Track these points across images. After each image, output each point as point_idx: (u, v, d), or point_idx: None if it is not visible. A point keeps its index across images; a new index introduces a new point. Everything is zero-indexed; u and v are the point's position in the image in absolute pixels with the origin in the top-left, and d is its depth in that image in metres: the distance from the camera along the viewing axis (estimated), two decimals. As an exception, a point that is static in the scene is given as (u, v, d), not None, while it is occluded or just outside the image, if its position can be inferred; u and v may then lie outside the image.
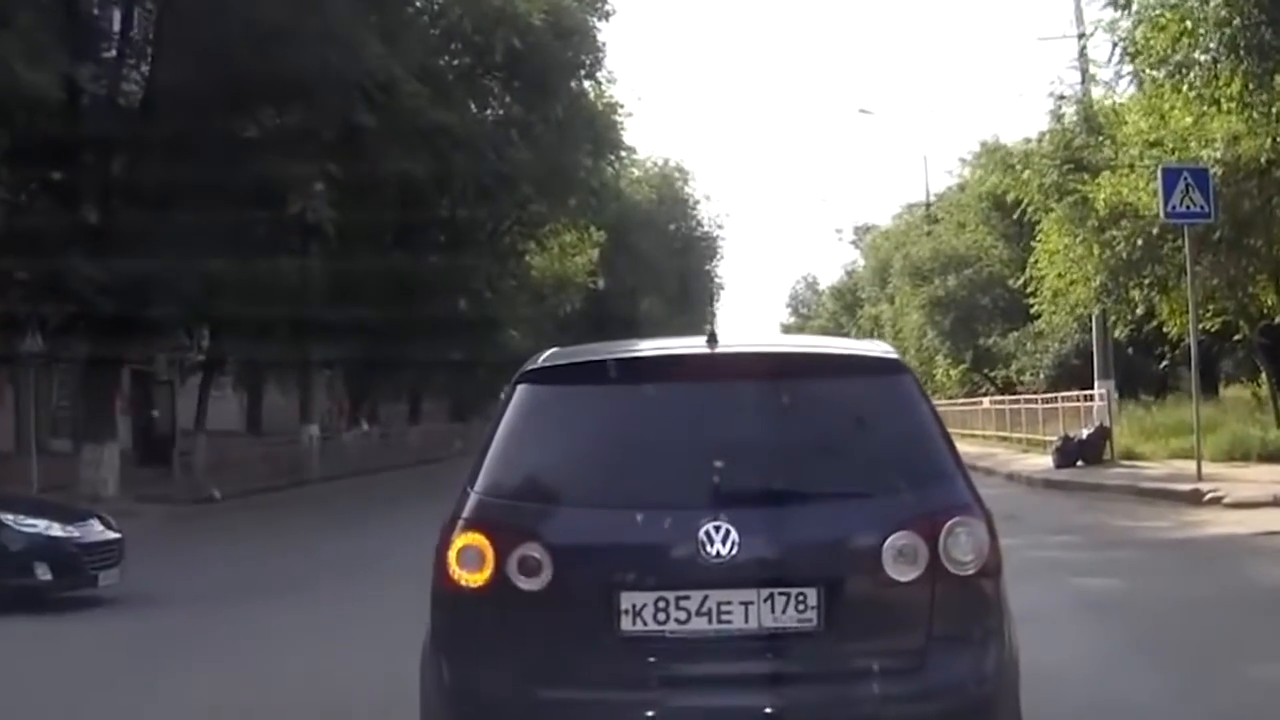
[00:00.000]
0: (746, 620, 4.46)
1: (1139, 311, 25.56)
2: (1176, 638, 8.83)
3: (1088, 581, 11.73)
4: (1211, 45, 18.04)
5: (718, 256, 74.57)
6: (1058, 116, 27.21)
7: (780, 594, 4.46)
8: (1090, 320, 28.49)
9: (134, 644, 10.14)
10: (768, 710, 4.42)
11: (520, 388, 4.92)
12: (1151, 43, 18.68)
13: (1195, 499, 17.69)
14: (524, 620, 4.54)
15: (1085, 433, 25.45)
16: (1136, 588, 11.18)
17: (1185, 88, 19.07)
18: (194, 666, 8.95)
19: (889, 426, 4.79)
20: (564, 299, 46.71)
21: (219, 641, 10.01)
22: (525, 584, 4.52)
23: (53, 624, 10.85)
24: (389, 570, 11.96)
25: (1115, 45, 20.22)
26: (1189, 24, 17.94)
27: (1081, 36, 27.10)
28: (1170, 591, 10.77)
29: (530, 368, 5.02)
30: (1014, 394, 39.88)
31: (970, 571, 4.56)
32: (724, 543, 4.44)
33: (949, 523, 4.55)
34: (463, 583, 4.59)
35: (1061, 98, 27.22)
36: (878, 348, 5.57)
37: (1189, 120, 20.86)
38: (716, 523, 4.45)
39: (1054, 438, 26.76)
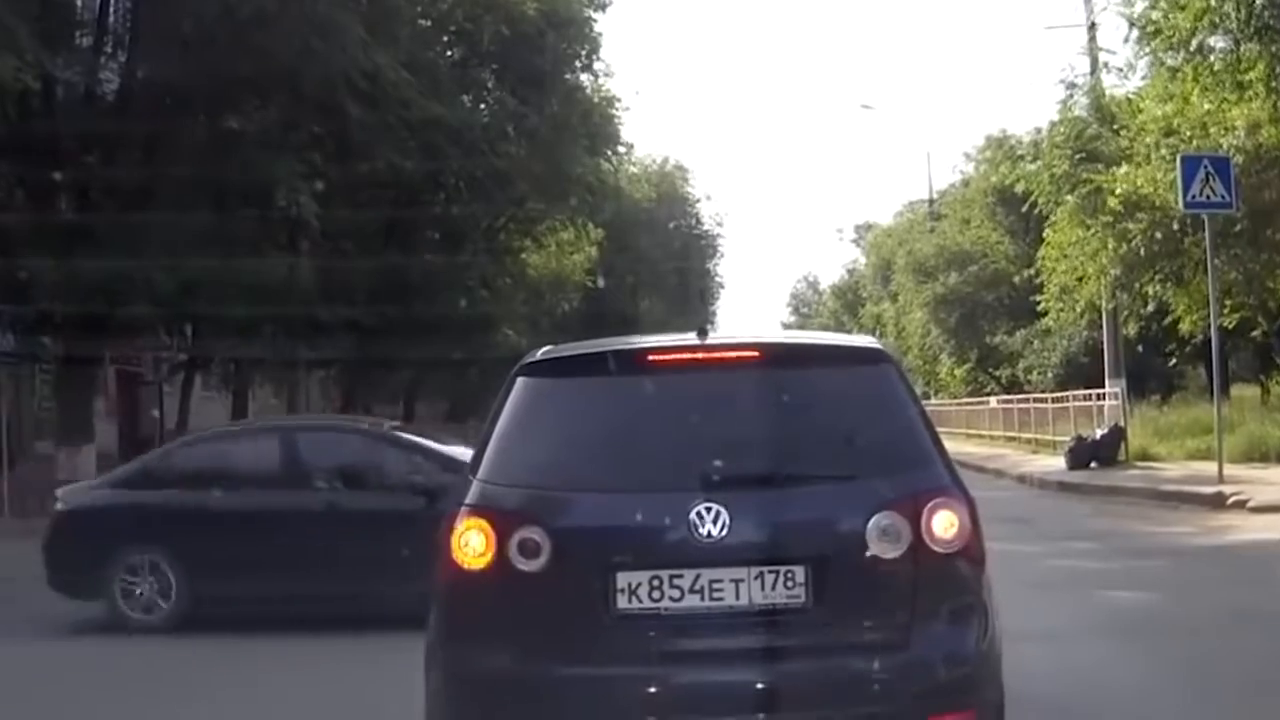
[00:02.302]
0: (738, 597, 4.66)
1: (1150, 308, 24.80)
2: (1221, 659, 8.10)
3: (1116, 595, 11.00)
4: (1234, 27, 17.26)
5: (718, 255, 73.81)
6: (1068, 106, 26.44)
7: (770, 571, 4.66)
8: (1099, 317, 27.74)
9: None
10: (760, 684, 4.62)
11: (519, 380, 5.14)
12: (1171, 23, 17.88)
13: (1218, 502, 17.01)
14: (524, 600, 4.73)
15: (1099, 433, 24.72)
16: (1169, 601, 10.49)
17: (1205, 73, 18.29)
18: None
19: (872, 413, 4.99)
20: (562, 298, 46.01)
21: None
22: (525, 565, 4.72)
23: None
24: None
25: (1131, 26, 19.45)
26: (1212, 1, 17.12)
27: (1093, 27, 26.40)
28: (1206, 605, 10.07)
29: (528, 361, 5.27)
30: (1021, 393, 39.09)
31: (952, 550, 4.74)
32: (714, 523, 4.65)
33: (930, 503, 4.74)
34: (465, 566, 4.79)
35: (1072, 86, 26.48)
36: (862, 339, 5.88)
37: (1207, 107, 20.06)
38: (707, 504, 4.65)
39: (1064, 438, 26.16)
